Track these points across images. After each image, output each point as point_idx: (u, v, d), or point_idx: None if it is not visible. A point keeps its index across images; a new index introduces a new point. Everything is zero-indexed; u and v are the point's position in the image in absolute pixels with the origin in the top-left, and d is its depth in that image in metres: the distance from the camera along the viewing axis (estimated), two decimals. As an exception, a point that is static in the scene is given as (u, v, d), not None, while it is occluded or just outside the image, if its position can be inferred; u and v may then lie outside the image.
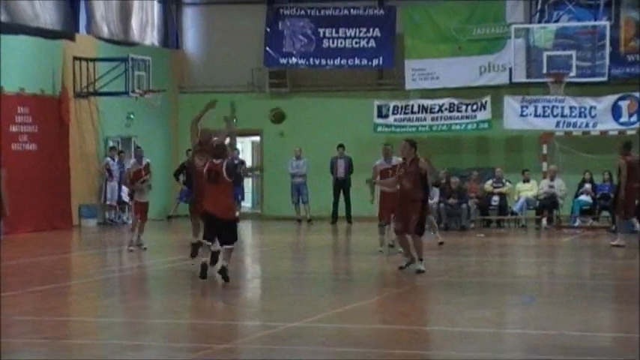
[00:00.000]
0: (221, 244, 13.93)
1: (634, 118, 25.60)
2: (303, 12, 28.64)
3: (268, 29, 28.77)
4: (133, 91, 25.73)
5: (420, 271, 14.83)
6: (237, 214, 14.79)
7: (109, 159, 26.24)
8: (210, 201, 13.90)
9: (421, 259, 15.05)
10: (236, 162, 27.62)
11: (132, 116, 27.33)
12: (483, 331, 10.59)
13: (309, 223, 26.80)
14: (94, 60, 25.81)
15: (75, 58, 25.50)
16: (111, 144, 26.80)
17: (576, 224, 24.94)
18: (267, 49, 28.72)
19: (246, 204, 29.78)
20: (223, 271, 13.71)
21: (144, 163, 19.11)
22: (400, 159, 15.73)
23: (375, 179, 17.73)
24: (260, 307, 12.78)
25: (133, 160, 26.08)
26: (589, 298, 13.10)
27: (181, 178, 27.43)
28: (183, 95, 29.52)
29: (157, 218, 27.41)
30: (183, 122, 29.27)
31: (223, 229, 13.83)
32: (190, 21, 30.14)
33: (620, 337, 10.36)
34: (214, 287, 14.07)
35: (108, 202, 26.24)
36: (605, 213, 24.50)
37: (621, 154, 19.77)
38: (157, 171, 27.11)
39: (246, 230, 26.14)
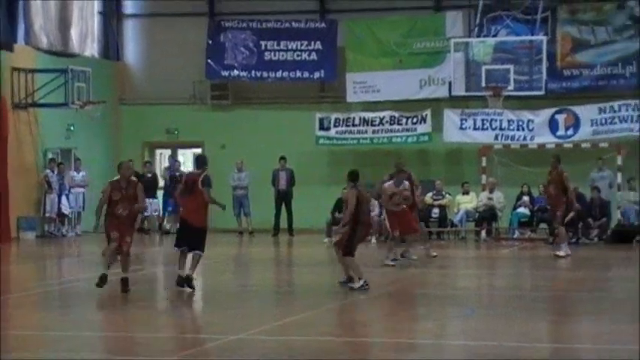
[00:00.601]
0: (190, 251, 14.49)
1: (570, 132, 26.01)
2: (245, 24, 28.67)
3: (210, 41, 28.74)
4: (73, 103, 25.52)
5: (352, 288, 14.47)
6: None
7: (48, 171, 25.97)
8: (185, 210, 14.61)
9: (352, 278, 14.66)
10: (177, 174, 27.67)
11: (72, 128, 27.10)
12: (424, 343, 10.69)
13: (251, 236, 26.77)
14: (32, 71, 25.57)
15: (13, 69, 25.24)
16: (50, 156, 26.54)
17: (515, 236, 25.25)
18: (209, 61, 28.69)
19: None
20: (188, 280, 14.28)
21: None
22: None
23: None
24: (202, 320, 12.75)
25: (73, 173, 25.92)
26: (528, 309, 13.27)
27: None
28: (124, 107, 29.35)
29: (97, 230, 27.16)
30: (124, 134, 29.21)
31: (194, 237, 14.40)
32: (131, 32, 29.99)
33: (557, 347, 10.52)
34: (156, 300, 14.00)
35: (47, 215, 25.97)
36: (543, 225, 24.85)
37: (555, 168, 20.15)
38: (97, 183, 26.96)
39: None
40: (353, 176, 15.00)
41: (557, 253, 19.97)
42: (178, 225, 15.03)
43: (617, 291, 15.44)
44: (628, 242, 23.71)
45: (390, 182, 18.69)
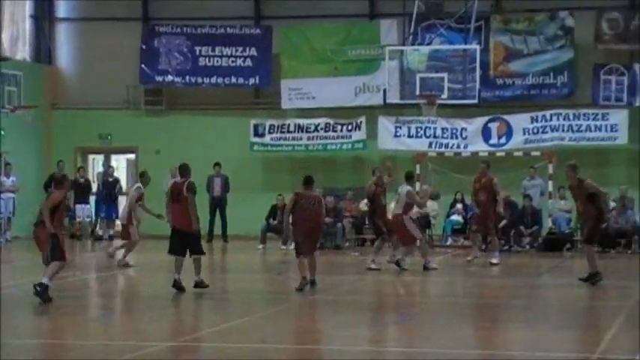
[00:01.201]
0: (191, 255, 15.49)
1: (503, 140, 26.41)
2: (179, 30, 28.61)
3: (144, 46, 28.64)
4: (4, 107, 25.24)
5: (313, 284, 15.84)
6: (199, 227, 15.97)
7: (-22, 175, 25.66)
8: (175, 217, 15.59)
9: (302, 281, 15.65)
10: (110, 180, 27.53)
11: (2, 132, 26.80)
12: (358, 350, 10.82)
13: (184, 242, 26.65)
14: (-38, 74, 25.25)
15: (-57, 73, 24.92)
16: (-20, 160, 26.24)
17: (448, 243, 25.56)
18: (143, 66, 28.58)
19: (121, 222, 29.39)
20: (200, 284, 15.45)
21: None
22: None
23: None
24: (135, 327, 12.73)
25: (2, 178, 25.60)
26: (461, 316, 13.49)
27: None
28: (56, 112, 29.11)
29: (28, 236, 26.89)
30: (56, 139, 28.95)
31: (190, 241, 15.45)
32: (64, 36, 29.75)
33: (488, 354, 10.72)
34: (89, 307, 13.96)
35: (-22, 220, 25.65)
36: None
37: (485, 174, 20.52)
38: (28, 187, 26.72)
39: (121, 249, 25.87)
40: (307, 180, 16.20)
41: (492, 260, 20.31)
42: (170, 233, 15.79)
43: (547, 299, 15.75)
44: (559, 250, 24.18)
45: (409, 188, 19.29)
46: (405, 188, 19.22)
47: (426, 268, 19.07)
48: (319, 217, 15.92)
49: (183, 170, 16.02)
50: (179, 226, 15.51)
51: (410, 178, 20.03)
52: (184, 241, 15.46)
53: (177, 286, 15.34)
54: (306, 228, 15.87)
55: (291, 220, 16.11)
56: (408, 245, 19.22)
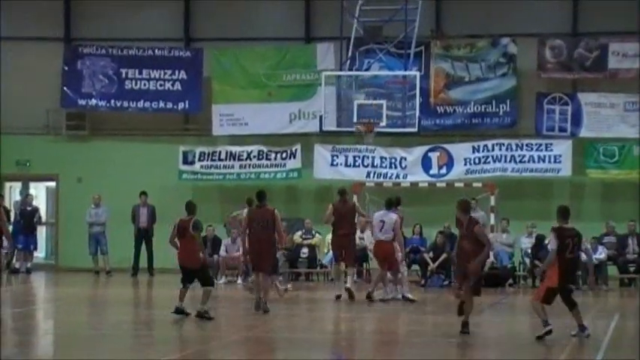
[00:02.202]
0: (202, 286, 16.67)
1: (443, 170, 26.69)
2: (104, 51, 28.48)
3: (66, 68, 28.44)
4: None
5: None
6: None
7: None
8: (181, 254, 16.94)
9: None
10: (29, 209, 27.19)
11: None
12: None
13: (108, 275, 26.46)
14: None
15: None
16: None
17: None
18: (65, 88, 28.38)
19: (40, 254, 29.13)
20: (202, 314, 16.38)
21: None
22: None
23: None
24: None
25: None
26: (399, 353, 13.53)
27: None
28: (-29, 136, 28.70)
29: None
30: (-29, 165, 28.50)
31: (197, 276, 16.73)
32: (-20, 56, 29.43)
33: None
34: (4, 344, 13.73)
35: None
36: (415, 266, 25.31)
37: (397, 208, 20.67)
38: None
39: (39, 282, 25.58)
40: (259, 196, 18.17)
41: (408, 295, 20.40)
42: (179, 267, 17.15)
43: (487, 337, 15.86)
44: (501, 286, 24.39)
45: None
46: (393, 215, 19.92)
47: (405, 298, 20.03)
48: (271, 236, 17.72)
49: (191, 208, 17.31)
50: (184, 263, 16.90)
51: (395, 204, 20.52)
52: (192, 276, 16.84)
53: (179, 312, 16.71)
54: (257, 248, 17.78)
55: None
56: (395, 271, 20.13)
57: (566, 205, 14.98)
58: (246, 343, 14.57)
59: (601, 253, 24.35)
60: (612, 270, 24.83)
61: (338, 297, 20.28)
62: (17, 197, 29.14)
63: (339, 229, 20.88)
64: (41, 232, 29.29)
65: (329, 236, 26.00)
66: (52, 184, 29.50)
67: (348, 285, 20.29)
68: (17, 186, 29.86)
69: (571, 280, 14.84)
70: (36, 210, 27.73)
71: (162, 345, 14.24)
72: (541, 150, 26.45)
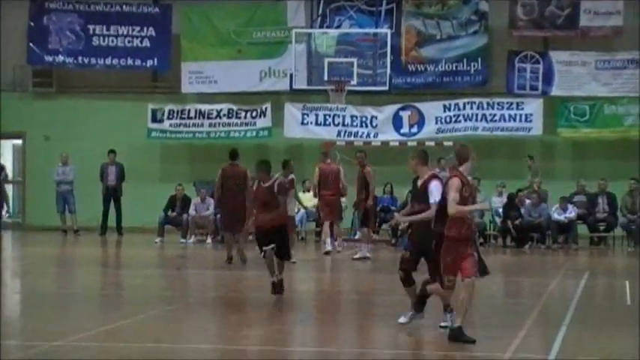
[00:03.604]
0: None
1: (414, 129, 26.64)
2: (70, 6, 28.14)
3: (32, 24, 28.09)
4: None
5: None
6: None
7: None
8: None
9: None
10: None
11: None
12: (259, 349, 10.78)
13: (76, 234, 26.33)
14: None
15: None
16: None
17: (356, 237, 25.62)
18: (31, 45, 28.05)
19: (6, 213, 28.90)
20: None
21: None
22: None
23: None
24: (19, 326, 12.48)
25: None
26: (366, 314, 13.54)
27: None
28: None
29: None
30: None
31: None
32: (-56, 12, 29.01)
33: (391, 353, 10.78)
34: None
35: None
36: (385, 226, 25.33)
37: (363, 164, 20.74)
38: None
39: (5, 242, 25.42)
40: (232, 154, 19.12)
41: (355, 256, 20.60)
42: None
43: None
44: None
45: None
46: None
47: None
48: (242, 195, 17.87)
49: (286, 165, 18.91)
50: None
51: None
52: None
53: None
54: (229, 206, 18.44)
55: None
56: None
57: None
58: (213, 303, 14.53)
59: (571, 212, 24.44)
60: (582, 229, 24.94)
61: (327, 253, 21.15)
62: (-17, 155, 28.86)
63: (323, 190, 21.01)
64: (8, 191, 29.04)
65: (299, 195, 26.02)
66: (19, 141, 29.24)
67: (329, 248, 21.13)
68: (-17, 144, 29.56)
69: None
70: (2, 168, 27.49)
71: (131, 305, 14.17)
72: (512, 109, 26.45)
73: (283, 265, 14.29)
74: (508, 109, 26.46)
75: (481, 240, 24.84)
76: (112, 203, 26.44)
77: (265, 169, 14.28)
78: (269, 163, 14.47)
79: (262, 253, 14.22)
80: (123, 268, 20.46)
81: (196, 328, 12.14)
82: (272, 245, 14.02)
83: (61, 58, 28.10)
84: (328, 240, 21.45)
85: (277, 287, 14.12)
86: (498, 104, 26.49)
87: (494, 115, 26.45)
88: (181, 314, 13.34)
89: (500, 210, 24.82)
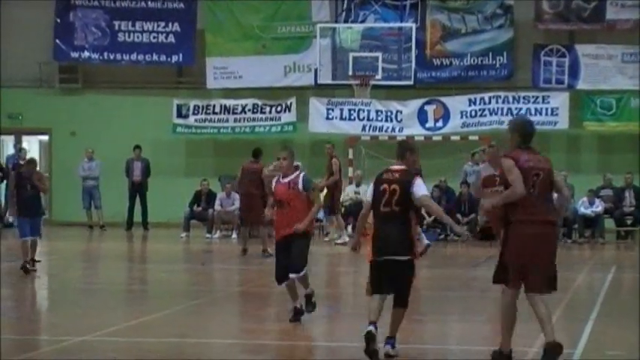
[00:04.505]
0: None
1: (439, 124, 26.55)
2: (96, 2, 28.23)
3: (58, 20, 28.21)
4: None
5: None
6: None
7: None
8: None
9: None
10: (22, 163, 27.04)
11: None
12: (284, 344, 10.79)
13: (101, 230, 26.44)
14: None
15: None
16: None
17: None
18: (57, 41, 28.16)
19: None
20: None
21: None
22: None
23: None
24: (46, 321, 12.57)
25: None
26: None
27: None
28: (-37, 90, 28.53)
29: None
30: (-36, 119, 28.37)
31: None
32: (-29, 9, 29.18)
33: (420, 348, 10.76)
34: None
35: None
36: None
37: (332, 155, 22.44)
38: None
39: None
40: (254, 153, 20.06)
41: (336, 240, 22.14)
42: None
43: (482, 290, 15.85)
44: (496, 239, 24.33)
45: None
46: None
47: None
48: (256, 190, 18.80)
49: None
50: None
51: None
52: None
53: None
54: (244, 201, 19.64)
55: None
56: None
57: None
58: (238, 297, 14.56)
59: (598, 206, 24.32)
60: (609, 223, 24.81)
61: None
62: (10, 151, 29.02)
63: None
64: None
65: (325, 190, 26.03)
66: (45, 137, 29.39)
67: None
68: (10, 140, 29.73)
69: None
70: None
71: (157, 300, 14.22)
72: (538, 102, 26.33)
73: (305, 278, 11.71)
74: (534, 102, 26.34)
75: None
76: (137, 198, 26.54)
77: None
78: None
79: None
80: (148, 263, 20.54)
81: (221, 322, 12.18)
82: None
83: (86, 54, 28.22)
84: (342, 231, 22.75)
85: (298, 312, 11.71)
86: (524, 98, 26.38)
87: (520, 108, 26.34)
88: (206, 309, 13.38)
89: (526, 204, 24.67)
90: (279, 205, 11.49)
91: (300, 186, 11.46)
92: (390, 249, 9.61)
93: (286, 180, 11.54)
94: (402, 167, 9.74)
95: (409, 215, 9.64)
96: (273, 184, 11.77)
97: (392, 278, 9.62)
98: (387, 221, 9.65)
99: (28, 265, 16.41)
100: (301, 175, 11.62)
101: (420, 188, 9.61)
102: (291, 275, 11.48)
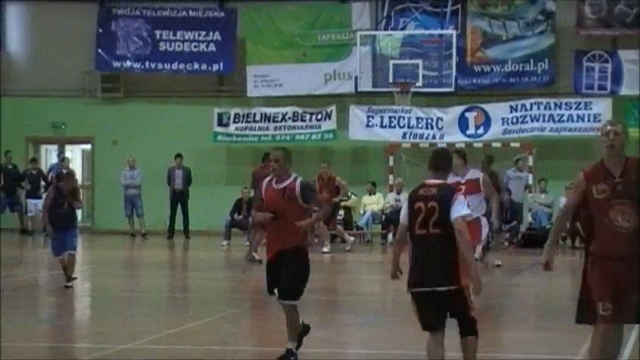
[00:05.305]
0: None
1: (480, 130, 26.43)
2: (137, 12, 28.42)
3: (100, 30, 28.43)
4: (-51, 94, 24.98)
5: None
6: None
7: None
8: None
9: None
10: (65, 172, 27.29)
11: (-52, 121, 26.54)
12: (323, 352, 10.77)
13: (143, 238, 26.58)
14: None
15: None
16: None
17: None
18: (100, 51, 28.38)
19: (76, 217, 29.26)
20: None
21: None
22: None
23: None
24: (89, 329, 12.63)
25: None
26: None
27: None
28: (5, 99, 28.79)
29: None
30: (6, 128, 28.64)
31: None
32: (14, 19, 29.47)
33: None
34: (40, 308, 13.82)
35: None
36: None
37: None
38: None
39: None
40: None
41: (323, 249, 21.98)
42: None
43: (525, 298, 15.76)
44: (539, 247, 24.20)
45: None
46: None
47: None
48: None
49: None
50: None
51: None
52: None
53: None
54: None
55: None
56: None
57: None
58: (279, 305, 14.53)
59: None
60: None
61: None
62: (54, 160, 29.27)
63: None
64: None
65: (365, 198, 26.05)
66: (88, 146, 29.62)
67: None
68: (53, 149, 29.99)
69: None
70: (71, 174, 27.79)
71: (198, 307, 14.26)
72: (580, 109, 26.14)
73: (296, 325, 9.98)
74: (576, 109, 26.15)
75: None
76: (178, 207, 26.64)
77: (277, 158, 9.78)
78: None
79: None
80: (190, 270, 20.62)
81: (262, 330, 12.19)
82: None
83: (128, 63, 28.41)
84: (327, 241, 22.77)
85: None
86: (566, 104, 26.20)
87: (562, 115, 26.16)
88: (247, 316, 13.40)
89: (569, 211, 24.52)
90: (272, 215, 9.70)
91: (298, 195, 9.67)
92: (428, 279, 8.22)
93: (281, 186, 9.71)
94: (440, 181, 8.37)
95: (450, 237, 8.13)
96: (263, 186, 9.86)
97: (436, 313, 8.28)
98: (423, 246, 8.25)
99: (66, 283, 15.54)
100: (298, 181, 9.72)
101: (458, 207, 8.17)
102: (283, 302, 9.92)
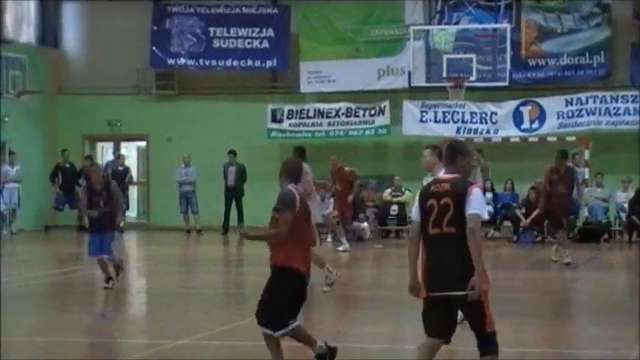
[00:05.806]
0: None
1: (535, 125, 26.19)
2: (192, 10, 28.57)
3: (155, 27, 28.61)
4: (7, 93, 25.28)
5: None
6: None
7: (-20, 165, 25.73)
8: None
9: None
10: (121, 169, 27.55)
11: (6, 119, 26.85)
12: (378, 348, 10.76)
13: (198, 234, 26.72)
14: (-37, 58, 25.31)
15: (-57, 57, 24.99)
16: (-17, 149, 26.30)
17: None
18: (154, 48, 28.57)
19: (131, 214, 29.55)
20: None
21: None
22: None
23: None
24: (145, 325, 12.73)
25: (6, 167, 25.70)
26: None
27: (57, 181, 27.16)
28: (62, 97, 29.14)
29: (34, 229, 27.04)
30: (62, 126, 29.00)
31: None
32: (70, 18, 29.77)
33: (518, 352, 10.65)
34: (97, 304, 13.94)
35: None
36: (507, 223, 25.03)
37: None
38: (32, 177, 26.82)
39: (131, 242, 25.97)
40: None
41: (338, 248, 21.57)
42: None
43: (582, 293, 15.62)
44: (595, 241, 23.99)
45: None
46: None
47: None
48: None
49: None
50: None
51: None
52: None
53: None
54: None
55: None
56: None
57: None
58: (332, 300, 14.56)
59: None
60: None
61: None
62: (109, 157, 29.53)
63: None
64: (132, 192, 29.69)
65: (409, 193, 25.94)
66: (143, 143, 29.84)
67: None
68: (109, 146, 30.27)
69: None
70: (127, 170, 28.09)
71: (252, 303, 14.28)
72: (636, 102, 25.79)
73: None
74: (632, 102, 25.82)
75: (605, 236, 24.38)
76: (233, 203, 26.74)
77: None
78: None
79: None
80: (244, 266, 20.67)
81: (316, 325, 12.19)
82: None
83: (182, 60, 28.57)
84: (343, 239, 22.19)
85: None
86: (622, 97, 25.88)
87: (618, 108, 25.85)
88: (301, 311, 13.40)
89: (626, 205, 24.30)
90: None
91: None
92: (443, 282, 7.50)
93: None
94: (454, 176, 7.62)
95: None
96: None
97: (446, 320, 7.61)
98: (437, 246, 7.53)
99: (106, 284, 14.93)
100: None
101: (474, 203, 7.44)
102: (264, 330, 9.24)
